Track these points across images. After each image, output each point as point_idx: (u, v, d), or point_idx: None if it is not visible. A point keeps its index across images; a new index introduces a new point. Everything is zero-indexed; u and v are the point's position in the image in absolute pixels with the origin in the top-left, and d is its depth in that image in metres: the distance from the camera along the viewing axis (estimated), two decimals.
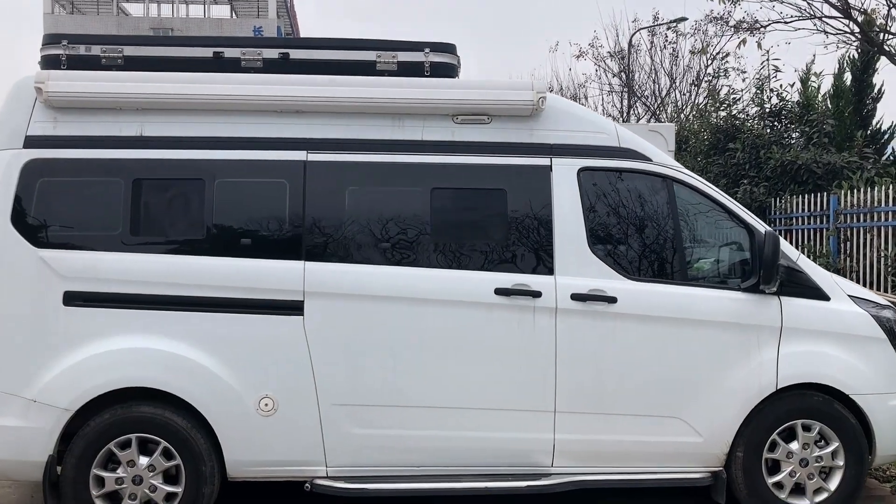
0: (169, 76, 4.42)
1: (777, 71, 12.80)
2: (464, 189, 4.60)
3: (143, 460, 4.32)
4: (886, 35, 13.13)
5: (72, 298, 4.30)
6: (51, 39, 4.49)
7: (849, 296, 4.85)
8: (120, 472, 4.30)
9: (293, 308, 4.38)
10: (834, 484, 4.73)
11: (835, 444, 4.72)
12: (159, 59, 4.54)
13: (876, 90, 15.60)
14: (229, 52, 4.56)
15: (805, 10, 12.99)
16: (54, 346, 4.27)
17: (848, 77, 15.77)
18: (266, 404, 4.37)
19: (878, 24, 12.69)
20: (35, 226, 4.33)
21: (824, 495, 4.73)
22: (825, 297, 4.78)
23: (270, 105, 4.48)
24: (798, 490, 4.74)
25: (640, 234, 4.73)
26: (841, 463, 4.72)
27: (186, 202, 4.45)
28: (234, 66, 4.55)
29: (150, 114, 4.47)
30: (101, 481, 4.29)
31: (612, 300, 4.53)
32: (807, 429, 4.72)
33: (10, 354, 4.27)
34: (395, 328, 4.43)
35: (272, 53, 4.58)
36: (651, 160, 4.77)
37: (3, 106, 4.48)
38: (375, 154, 4.55)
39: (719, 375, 4.61)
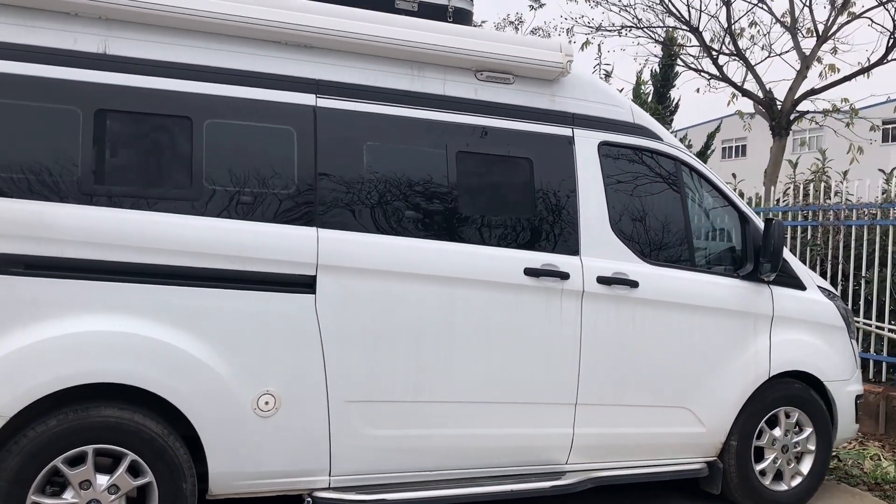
0: None
1: (608, 76, 13.41)
2: (490, 155, 4.06)
3: (102, 480, 3.28)
4: (681, 49, 14.29)
5: (8, 264, 3.15)
6: None
7: (817, 286, 5.02)
8: (68, 497, 3.23)
9: (303, 284, 3.58)
10: (806, 468, 4.85)
11: (808, 430, 4.85)
12: None
13: (674, 104, 17.03)
14: None
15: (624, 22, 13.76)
16: None
17: (649, 91, 17.04)
18: (266, 402, 3.52)
19: (677, 42, 13.75)
20: None
21: (799, 479, 4.84)
22: (802, 287, 4.89)
23: (274, 32, 3.62)
24: (776, 476, 4.81)
25: (654, 217, 4.48)
26: (812, 448, 4.85)
27: (167, 145, 3.46)
28: None
29: (118, 27, 3.42)
30: None
31: (635, 284, 4.26)
32: (787, 416, 4.80)
33: None
34: (419, 311, 3.79)
35: None
36: (662, 139, 4.57)
37: None
38: (395, 106, 3.87)
39: (723, 364, 4.52)
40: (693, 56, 13.95)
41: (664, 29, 12.74)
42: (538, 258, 4.05)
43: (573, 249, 4.16)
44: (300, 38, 3.67)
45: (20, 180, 3.20)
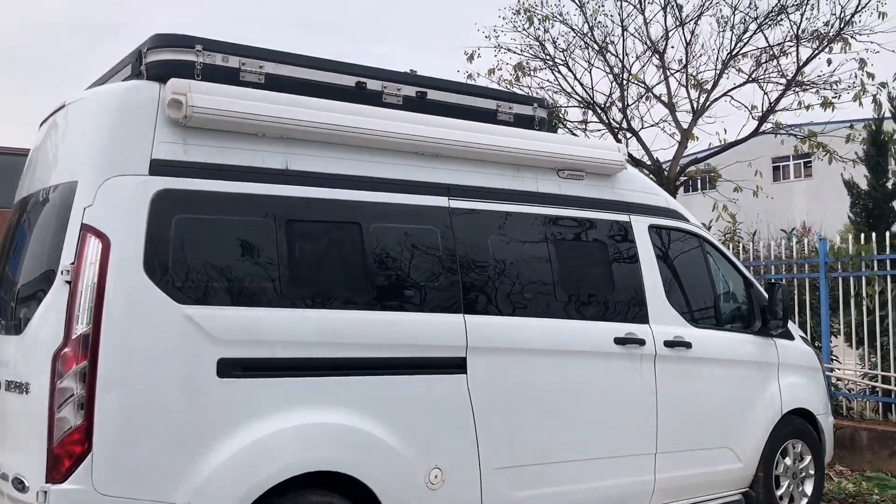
0: (317, 102, 3.82)
1: None
2: (576, 241, 4.72)
3: None
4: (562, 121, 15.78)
5: (229, 367, 3.39)
6: (180, 41, 3.54)
7: (799, 336, 6.03)
8: None
9: (457, 366, 4.04)
10: (809, 489, 5.78)
11: (808, 458, 5.79)
12: (300, 81, 3.87)
13: None
14: (371, 84, 4.09)
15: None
16: (208, 432, 3.32)
17: None
18: (435, 476, 3.91)
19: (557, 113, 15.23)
20: (176, 275, 3.35)
21: (805, 500, 5.75)
22: (792, 337, 5.88)
23: (418, 146, 4.12)
24: (789, 500, 5.69)
25: (692, 286, 5.31)
26: (812, 472, 5.80)
27: (345, 249, 3.84)
28: (375, 98, 4.10)
29: (294, 144, 3.79)
30: None
31: (689, 345, 5.02)
32: (793, 447, 5.72)
33: (148, 450, 3.20)
34: (545, 382, 4.33)
35: (409, 90, 4.22)
36: (689, 220, 5.42)
37: (107, 120, 3.42)
38: (503, 203, 4.45)
39: (751, 407, 5.37)
40: (576, 124, 15.44)
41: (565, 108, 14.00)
42: (621, 328, 4.72)
43: (643, 319, 4.86)
44: (434, 149, 4.18)
45: (232, 289, 3.47)
